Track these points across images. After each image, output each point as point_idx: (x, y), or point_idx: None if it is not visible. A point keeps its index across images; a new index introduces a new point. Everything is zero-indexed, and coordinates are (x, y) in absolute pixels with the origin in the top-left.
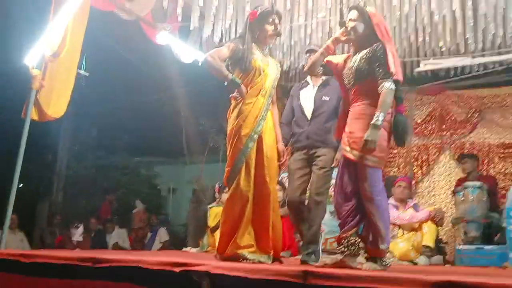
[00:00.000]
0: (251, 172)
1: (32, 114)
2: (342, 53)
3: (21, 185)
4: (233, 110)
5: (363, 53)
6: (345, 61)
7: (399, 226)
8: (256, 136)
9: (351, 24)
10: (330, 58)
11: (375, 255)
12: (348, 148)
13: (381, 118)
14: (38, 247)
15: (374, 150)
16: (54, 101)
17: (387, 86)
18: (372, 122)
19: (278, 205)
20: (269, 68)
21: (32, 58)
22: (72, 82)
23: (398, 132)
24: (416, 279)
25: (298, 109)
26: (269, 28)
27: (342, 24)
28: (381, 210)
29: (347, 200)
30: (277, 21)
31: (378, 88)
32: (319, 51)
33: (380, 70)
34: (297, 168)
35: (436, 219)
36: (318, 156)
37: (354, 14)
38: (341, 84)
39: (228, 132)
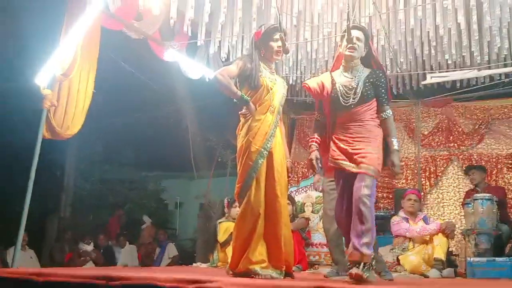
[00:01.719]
0: (262, 187)
1: (45, 133)
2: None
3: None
4: (242, 127)
5: (364, 76)
6: (332, 81)
7: (410, 239)
8: (265, 153)
9: (358, 43)
10: (308, 82)
11: (360, 259)
12: (351, 164)
13: (397, 143)
14: (48, 264)
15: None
16: (68, 120)
17: (390, 113)
18: (394, 148)
19: (289, 219)
20: (276, 86)
21: (43, 78)
22: (87, 101)
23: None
24: None
25: None
26: (275, 45)
27: (349, 40)
28: (373, 215)
29: (350, 216)
30: (282, 37)
31: (382, 114)
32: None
33: (385, 96)
34: (331, 189)
35: (447, 231)
36: None
37: (361, 34)
38: (327, 103)
39: (237, 148)
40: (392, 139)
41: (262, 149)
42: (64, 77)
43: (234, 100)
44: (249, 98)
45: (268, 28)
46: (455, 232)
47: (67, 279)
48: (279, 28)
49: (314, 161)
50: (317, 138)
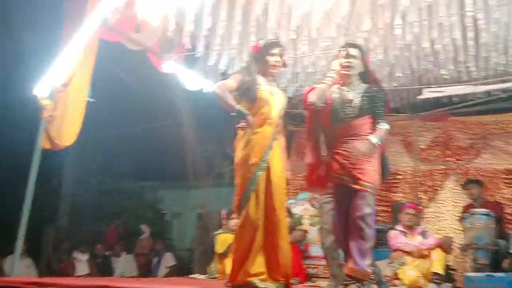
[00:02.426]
0: (260, 200)
1: (44, 143)
2: None
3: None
4: (240, 140)
5: (360, 90)
6: (331, 95)
7: (408, 253)
8: (264, 165)
9: (353, 61)
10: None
11: (359, 276)
12: (350, 179)
13: (377, 139)
14: (45, 273)
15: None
16: (65, 130)
17: (386, 126)
18: (371, 139)
19: (287, 232)
20: (274, 98)
21: (42, 88)
22: (82, 111)
23: (384, 166)
24: None
25: None
26: (272, 60)
27: (347, 56)
28: (373, 234)
29: (347, 230)
30: (280, 52)
31: (377, 125)
32: (327, 83)
33: (380, 111)
34: (325, 203)
35: (445, 246)
36: None
37: (357, 52)
38: (326, 116)
39: (235, 161)
40: (375, 137)
41: (261, 162)
42: (63, 88)
43: (233, 113)
44: (247, 111)
45: (267, 42)
46: (453, 247)
47: None
48: (277, 43)
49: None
50: None
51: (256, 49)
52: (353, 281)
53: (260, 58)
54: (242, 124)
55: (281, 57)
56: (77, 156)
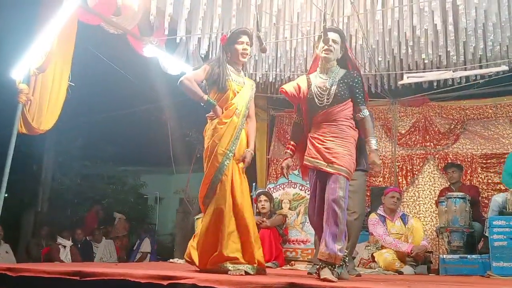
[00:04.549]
0: (227, 188)
1: (20, 127)
2: None
3: (5, 195)
4: (208, 129)
5: (338, 77)
6: (308, 83)
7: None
8: (231, 155)
9: (334, 46)
10: (284, 87)
11: (331, 260)
12: (324, 163)
13: (375, 142)
14: (24, 259)
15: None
16: (44, 114)
17: (366, 112)
18: (373, 148)
19: (253, 216)
20: (243, 90)
21: (19, 72)
22: (62, 96)
23: (363, 152)
24: None
25: None
26: (240, 48)
27: (326, 41)
28: (346, 217)
29: (321, 215)
30: (247, 39)
31: (359, 114)
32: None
33: (360, 96)
34: None
35: (417, 255)
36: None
37: (337, 37)
38: (304, 105)
39: (204, 149)
40: (370, 139)
41: (228, 151)
42: (39, 72)
43: (201, 104)
44: (215, 102)
45: (234, 31)
46: (430, 230)
47: (41, 274)
48: (244, 31)
49: (284, 170)
50: (292, 145)
51: (224, 39)
52: (325, 265)
53: (229, 47)
54: (210, 114)
55: (249, 45)
56: (57, 141)
